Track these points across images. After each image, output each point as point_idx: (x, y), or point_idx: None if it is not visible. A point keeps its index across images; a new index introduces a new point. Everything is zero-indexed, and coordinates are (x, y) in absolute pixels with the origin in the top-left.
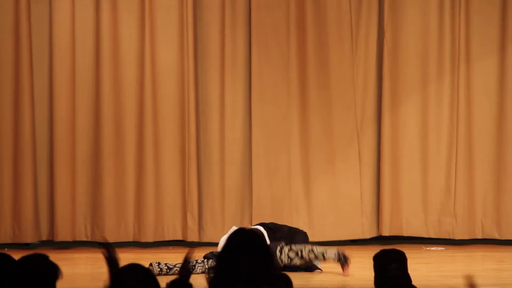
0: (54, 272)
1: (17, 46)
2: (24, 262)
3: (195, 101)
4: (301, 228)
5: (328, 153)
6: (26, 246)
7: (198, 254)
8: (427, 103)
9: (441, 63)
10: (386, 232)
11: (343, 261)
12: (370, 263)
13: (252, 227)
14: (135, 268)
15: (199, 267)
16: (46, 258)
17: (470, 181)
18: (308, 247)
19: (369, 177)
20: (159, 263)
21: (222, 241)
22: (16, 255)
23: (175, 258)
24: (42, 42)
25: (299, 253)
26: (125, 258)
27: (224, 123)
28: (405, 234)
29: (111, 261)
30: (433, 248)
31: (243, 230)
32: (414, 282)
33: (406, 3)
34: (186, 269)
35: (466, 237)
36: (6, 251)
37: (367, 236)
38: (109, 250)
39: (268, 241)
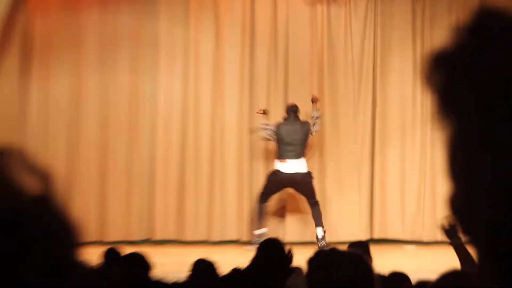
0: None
1: (134, 109)
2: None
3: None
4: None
5: (339, 181)
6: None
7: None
8: (406, 148)
9: (415, 122)
10: (376, 235)
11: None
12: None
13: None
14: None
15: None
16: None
17: (434, 201)
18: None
19: (365, 197)
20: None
21: None
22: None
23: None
24: (149, 107)
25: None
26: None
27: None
28: (389, 237)
29: None
30: (408, 246)
31: None
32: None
33: (391, 83)
34: None
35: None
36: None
37: (363, 238)
38: None
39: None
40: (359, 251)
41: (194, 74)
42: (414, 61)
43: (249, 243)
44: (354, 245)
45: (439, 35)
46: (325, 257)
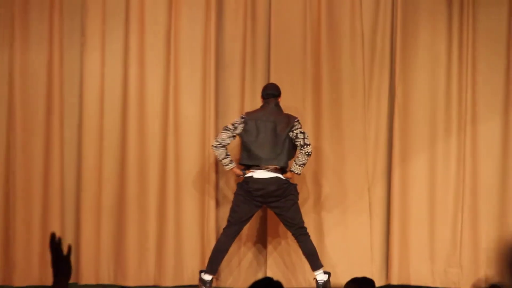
0: None
1: (49, 99)
2: None
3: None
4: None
5: (341, 206)
6: None
7: None
8: (435, 160)
9: (449, 123)
10: (395, 281)
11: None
12: None
13: None
14: None
15: None
16: None
17: (475, 234)
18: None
19: (379, 228)
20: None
21: None
22: None
23: None
24: (72, 95)
25: (302, 135)
26: None
27: None
28: (412, 283)
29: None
30: None
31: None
32: None
33: (417, 65)
34: None
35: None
36: None
37: (377, 284)
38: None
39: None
40: None
41: (138, 51)
42: (449, 36)
43: None
44: (355, 281)
45: (485, 3)
46: None
